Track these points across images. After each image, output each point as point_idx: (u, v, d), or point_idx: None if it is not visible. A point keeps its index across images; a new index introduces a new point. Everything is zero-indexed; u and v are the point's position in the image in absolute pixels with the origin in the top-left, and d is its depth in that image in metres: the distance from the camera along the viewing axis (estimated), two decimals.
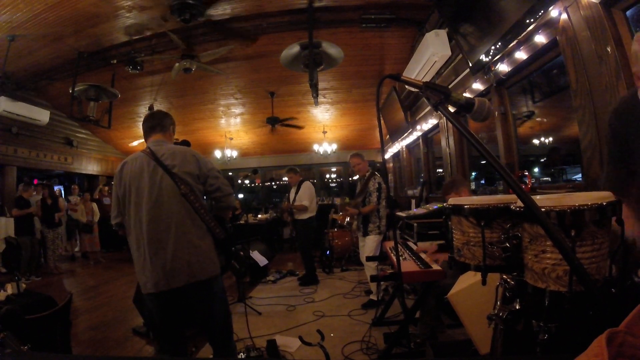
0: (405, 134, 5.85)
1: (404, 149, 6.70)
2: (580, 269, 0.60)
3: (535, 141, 3.56)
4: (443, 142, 4.21)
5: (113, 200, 1.87)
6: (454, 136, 3.93)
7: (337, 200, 7.67)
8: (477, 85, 3.21)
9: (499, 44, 2.51)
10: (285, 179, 9.48)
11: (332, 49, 3.64)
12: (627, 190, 1.13)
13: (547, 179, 3.63)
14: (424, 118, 4.98)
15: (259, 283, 4.93)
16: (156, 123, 1.92)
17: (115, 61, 4.88)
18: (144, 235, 1.67)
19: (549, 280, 0.78)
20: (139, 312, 3.22)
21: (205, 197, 1.87)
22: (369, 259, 3.57)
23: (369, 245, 3.74)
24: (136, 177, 1.74)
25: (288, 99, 6.71)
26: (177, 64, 4.73)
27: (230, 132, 8.28)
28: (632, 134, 1.11)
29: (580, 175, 2.37)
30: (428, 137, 5.41)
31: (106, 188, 8.12)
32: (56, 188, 8.60)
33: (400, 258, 2.55)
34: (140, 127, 2.00)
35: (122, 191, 1.78)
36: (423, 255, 2.56)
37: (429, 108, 4.74)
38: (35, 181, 8.43)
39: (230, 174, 9.71)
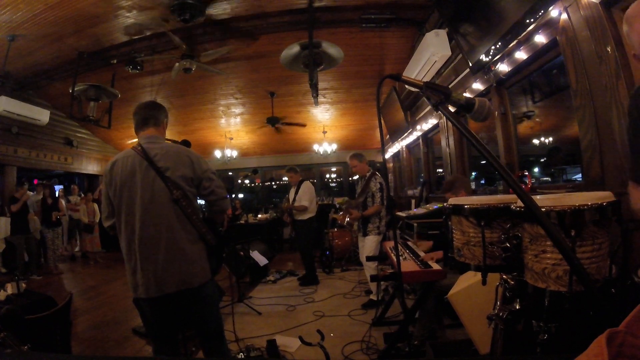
0: (405, 134, 5.85)
1: (404, 149, 6.70)
2: (580, 269, 0.60)
3: (535, 141, 3.57)
4: (443, 142, 4.21)
5: (104, 201, 1.77)
6: (454, 136, 3.92)
7: (338, 200, 7.66)
8: (477, 85, 3.21)
9: (499, 44, 2.51)
10: (285, 178, 9.51)
11: (332, 49, 3.64)
12: None
13: (547, 179, 3.64)
14: (424, 118, 4.98)
15: (259, 283, 4.93)
16: (150, 115, 1.81)
17: (115, 61, 4.88)
18: (136, 239, 1.63)
19: (549, 280, 0.78)
20: (138, 312, 3.22)
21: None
22: (368, 259, 3.56)
23: (368, 245, 3.73)
24: (128, 178, 1.67)
25: (288, 99, 6.71)
26: (177, 64, 4.73)
27: (230, 132, 8.28)
28: None
29: (580, 175, 2.37)
30: (428, 137, 5.41)
31: None
32: (57, 188, 8.60)
33: (400, 258, 2.55)
34: None
35: (112, 192, 1.70)
36: (421, 254, 2.57)
37: (429, 108, 4.74)
38: (36, 181, 8.45)
39: (230, 174, 9.72)
